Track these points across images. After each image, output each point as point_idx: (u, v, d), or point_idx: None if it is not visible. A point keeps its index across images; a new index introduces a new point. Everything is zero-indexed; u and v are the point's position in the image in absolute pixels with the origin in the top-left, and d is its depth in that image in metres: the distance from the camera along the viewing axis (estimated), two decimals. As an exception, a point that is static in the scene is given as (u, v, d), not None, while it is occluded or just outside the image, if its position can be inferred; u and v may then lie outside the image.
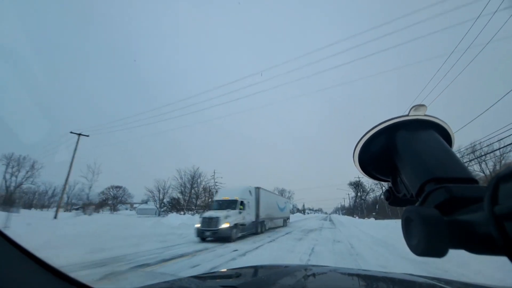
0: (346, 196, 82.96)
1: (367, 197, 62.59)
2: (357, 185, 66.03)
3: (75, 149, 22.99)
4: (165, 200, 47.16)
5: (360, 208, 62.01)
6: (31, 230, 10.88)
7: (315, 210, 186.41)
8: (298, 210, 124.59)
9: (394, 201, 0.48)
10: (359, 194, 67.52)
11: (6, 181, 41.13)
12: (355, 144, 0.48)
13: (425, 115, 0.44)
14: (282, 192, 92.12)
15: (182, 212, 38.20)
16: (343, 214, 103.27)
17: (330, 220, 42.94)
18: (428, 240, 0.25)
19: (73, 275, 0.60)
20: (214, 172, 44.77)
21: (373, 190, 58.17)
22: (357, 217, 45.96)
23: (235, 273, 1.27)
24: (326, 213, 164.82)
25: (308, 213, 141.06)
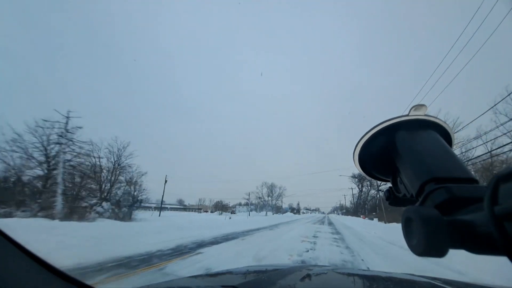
0: (347, 193, 69.19)
1: (370, 192, 49.02)
2: (362, 178, 52.26)
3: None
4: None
5: (368, 205, 48.43)
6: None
7: (312, 210, 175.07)
8: (293, 210, 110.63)
9: (394, 201, 0.47)
10: (364, 189, 53.69)
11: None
12: (355, 144, 0.48)
13: (425, 115, 0.44)
14: (271, 188, 78.32)
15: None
16: (342, 214, 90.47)
17: (330, 223, 28.52)
18: (428, 240, 0.25)
19: (73, 275, 0.58)
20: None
21: (386, 183, 44.43)
22: (375, 220, 31.74)
23: (235, 273, 1.27)
24: (323, 213, 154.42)
25: (303, 213, 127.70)
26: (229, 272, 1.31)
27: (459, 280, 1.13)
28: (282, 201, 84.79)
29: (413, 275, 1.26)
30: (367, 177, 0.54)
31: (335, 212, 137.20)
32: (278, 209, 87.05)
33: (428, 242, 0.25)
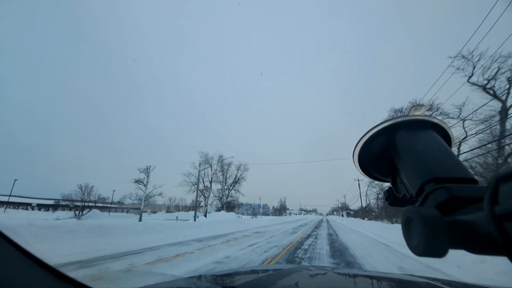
0: (360, 185, 43.45)
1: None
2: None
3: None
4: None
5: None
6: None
7: (308, 211, 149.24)
8: (280, 210, 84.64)
9: (394, 201, 0.47)
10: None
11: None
12: (355, 144, 0.48)
13: (425, 115, 0.44)
14: (223, 167, 40.54)
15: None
16: (348, 215, 64.61)
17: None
18: (428, 240, 0.25)
19: (71, 275, 0.59)
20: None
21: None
22: None
23: (235, 273, 1.28)
24: (321, 214, 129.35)
25: (295, 214, 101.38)
26: (229, 273, 1.32)
27: (459, 281, 1.12)
28: (239, 192, 43.20)
29: (412, 275, 1.27)
30: (367, 177, 0.53)
31: (334, 213, 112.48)
32: (261, 209, 61.63)
33: (428, 242, 0.25)
